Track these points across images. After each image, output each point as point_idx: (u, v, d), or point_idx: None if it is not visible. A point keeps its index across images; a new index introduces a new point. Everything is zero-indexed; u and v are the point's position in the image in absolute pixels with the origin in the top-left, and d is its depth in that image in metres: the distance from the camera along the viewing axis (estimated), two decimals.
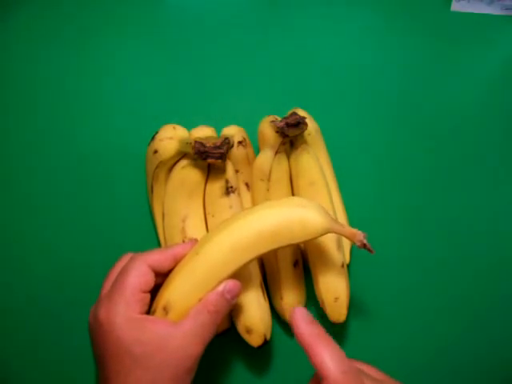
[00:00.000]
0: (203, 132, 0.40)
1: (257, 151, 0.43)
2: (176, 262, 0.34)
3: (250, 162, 0.41)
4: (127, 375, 0.31)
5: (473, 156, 0.46)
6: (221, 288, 0.33)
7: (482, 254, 0.44)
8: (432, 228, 0.45)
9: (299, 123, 0.38)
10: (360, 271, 0.43)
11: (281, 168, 0.40)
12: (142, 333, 0.31)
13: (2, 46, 0.48)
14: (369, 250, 0.34)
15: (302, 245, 0.41)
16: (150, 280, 0.33)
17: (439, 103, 0.48)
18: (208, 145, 0.37)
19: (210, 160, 0.37)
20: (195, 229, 0.39)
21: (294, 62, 0.48)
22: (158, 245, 0.43)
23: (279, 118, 0.40)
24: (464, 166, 0.46)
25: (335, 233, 0.34)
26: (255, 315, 0.37)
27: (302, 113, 0.41)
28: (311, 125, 0.41)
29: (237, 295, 0.34)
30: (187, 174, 0.39)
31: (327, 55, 0.48)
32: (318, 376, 0.30)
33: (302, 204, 0.34)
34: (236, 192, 0.39)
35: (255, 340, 0.38)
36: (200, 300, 0.33)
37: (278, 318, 0.42)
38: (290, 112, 0.39)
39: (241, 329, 0.38)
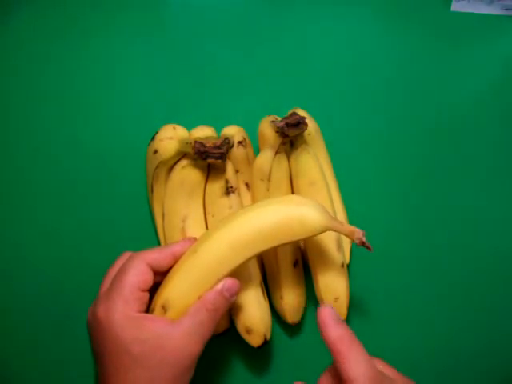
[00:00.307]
0: (203, 132, 0.40)
1: (257, 151, 0.43)
2: (175, 260, 0.34)
3: (250, 162, 0.41)
4: (126, 373, 0.31)
5: (473, 156, 0.46)
6: (219, 286, 0.33)
7: (483, 254, 0.44)
8: (432, 228, 0.45)
9: (299, 123, 0.38)
10: (360, 271, 0.43)
11: (281, 168, 0.40)
12: (140, 331, 0.31)
13: (4, 46, 0.48)
14: (367, 247, 0.34)
15: (302, 245, 0.41)
16: (149, 278, 0.33)
17: (439, 103, 0.48)
18: (208, 145, 0.37)
19: (210, 160, 0.37)
20: (195, 229, 0.39)
21: (294, 62, 0.48)
22: (158, 245, 0.43)
23: (279, 118, 0.40)
24: (464, 165, 0.46)
25: (334, 230, 0.34)
26: (255, 315, 0.37)
27: (301, 113, 0.41)
28: (311, 125, 0.41)
29: (235, 293, 0.34)
30: (187, 174, 0.39)
31: (327, 55, 0.48)
32: (332, 372, 0.30)
33: (300, 202, 0.34)
34: (236, 192, 0.39)
35: (255, 340, 0.38)
36: (199, 298, 0.33)
37: (278, 318, 0.42)
38: (290, 112, 0.39)
39: (241, 329, 0.38)
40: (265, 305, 0.38)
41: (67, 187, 0.45)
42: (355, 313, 0.43)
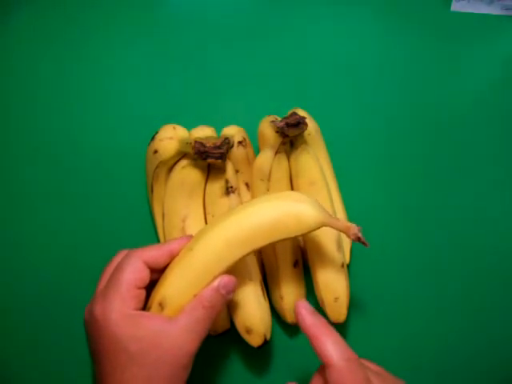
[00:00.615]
0: (203, 132, 0.40)
1: (257, 151, 0.43)
2: (171, 257, 0.35)
3: (250, 162, 0.41)
4: (123, 372, 0.31)
5: (473, 155, 0.46)
6: (216, 283, 0.33)
7: (483, 254, 0.44)
8: (432, 228, 0.45)
9: (299, 123, 0.38)
10: (360, 271, 0.43)
11: (281, 168, 0.40)
12: (137, 329, 0.31)
13: (3, 46, 0.48)
14: (363, 243, 0.34)
15: (302, 244, 0.41)
16: (146, 276, 0.33)
17: (439, 103, 0.48)
18: (208, 145, 0.37)
19: (210, 160, 0.37)
20: (195, 229, 0.39)
21: (294, 61, 0.48)
22: None
23: (279, 118, 0.40)
24: (464, 165, 0.46)
25: (330, 226, 0.34)
26: (255, 315, 0.37)
27: (301, 113, 0.41)
28: (311, 125, 0.41)
29: (232, 290, 0.34)
30: (187, 174, 0.39)
31: (327, 55, 0.48)
32: (323, 367, 0.31)
33: (296, 198, 0.34)
34: (236, 192, 0.39)
35: (255, 340, 0.38)
36: (195, 296, 0.33)
37: (278, 318, 0.42)
38: (290, 112, 0.39)
39: (241, 329, 0.38)
40: (265, 305, 0.38)
41: (67, 187, 0.45)
42: (355, 313, 0.43)
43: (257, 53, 0.48)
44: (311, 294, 0.41)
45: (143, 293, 0.33)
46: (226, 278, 0.33)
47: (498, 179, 0.46)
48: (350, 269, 0.43)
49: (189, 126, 0.41)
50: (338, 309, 0.39)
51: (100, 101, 0.47)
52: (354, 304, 0.42)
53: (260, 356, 0.42)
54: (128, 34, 0.48)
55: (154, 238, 0.43)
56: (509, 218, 0.45)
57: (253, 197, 0.41)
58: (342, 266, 0.39)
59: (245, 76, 0.48)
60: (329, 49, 0.49)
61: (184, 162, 0.39)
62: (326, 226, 0.34)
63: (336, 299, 0.38)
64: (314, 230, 0.34)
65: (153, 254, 0.34)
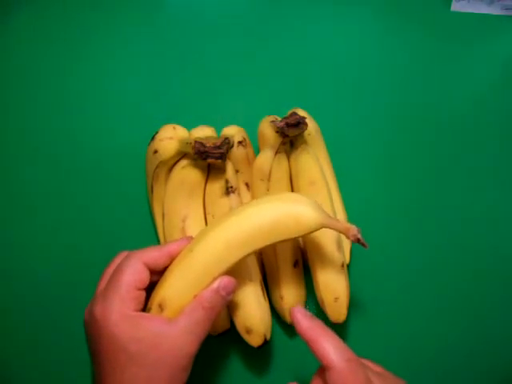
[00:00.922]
0: (203, 132, 0.40)
1: (257, 151, 0.43)
2: (171, 259, 0.35)
3: (250, 162, 0.41)
4: (122, 372, 0.31)
5: (473, 155, 0.47)
6: (215, 285, 0.33)
7: (483, 254, 0.44)
8: (432, 228, 0.45)
9: (299, 123, 0.38)
10: (360, 271, 0.43)
11: (281, 168, 0.40)
12: (136, 330, 0.31)
13: (3, 46, 0.48)
14: (362, 244, 0.34)
15: (302, 244, 0.41)
16: (145, 277, 0.33)
17: (439, 103, 0.48)
18: (208, 145, 0.37)
19: (210, 160, 0.37)
20: (195, 229, 0.39)
21: (294, 61, 0.48)
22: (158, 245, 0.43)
23: (279, 118, 0.40)
24: (464, 165, 0.46)
25: (329, 228, 0.34)
26: (255, 315, 0.37)
27: (301, 113, 0.41)
28: (311, 125, 0.41)
29: (232, 292, 0.34)
30: (187, 174, 0.39)
31: (327, 55, 0.48)
32: (323, 369, 0.31)
33: (296, 199, 0.34)
34: (236, 192, 0.39)
35: (255, 340, 0.38)
36: (195, 297, 0.33)
37: (278, 318, 0.42)
38: (289, 112, 0.39)
39: (241, 329, 0.38)
40: (265, 305, 0.38)
41: (67, 187, 0.45)
42: (355, 313, 0.43)
43: (257, 53, 0.48)
44: (311, 294, 0.41)
45: (143, 294, 0.33)
46: (225, 280, 0.33)
47: (499, 179, 0.46)
48: (349, 269, 0.43)
49: (189, 126, 0.41)
50: (338, 309, 0.39)
51: (100, 101, 0.47)
52: (354, 304, 0.42)
53: (260, 356, 0.42)
54: (128, 34, 0.49)
55: (154, 238, 0.43)
56: (509, 219, 0.45)
57: (253, 197, 0.41)
58: (342, 266, 0.39)
59: (245, 76, 0.48)
60: (329, 49, 0.49)
61: (184, 162, 0.39)
62: (325, 227, 0.34)
63: (336, 299, 0.38)
64: (314, 231, 0.34)
65: (153, 255, 0.34)
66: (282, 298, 0.40)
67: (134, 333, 0.31)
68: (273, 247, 0.40)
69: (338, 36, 0.49)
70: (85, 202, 0.45)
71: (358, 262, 0.43)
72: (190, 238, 0.35)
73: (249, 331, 0.37)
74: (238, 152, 0.41)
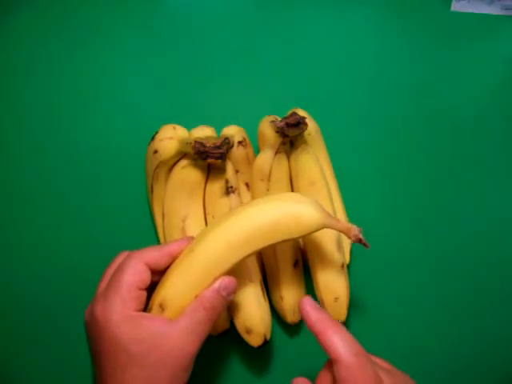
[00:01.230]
0: (203, 132, 0.40)
1: (257, 151, 0.43)
2: (172, 259, 0.34)
3: (250, 162, 0.41)
4: (123, 373, 0.31)
5: (473, 156, 0.46)
6: (216, 285, 0.33)
7: (483, 254, 0.44)
8: (432, 228, 0.45)
9: (299, 123, 0.38)
10: (360, 271, 0.43)
11: (281, 168, 0.40)
12: (137, 330, 0.31)
13: (3, 46, 0.48)
14: (364, 244, 0.34)
15: (302, 245, 0.41)
16: (146, 277, 0.33)
17: (439, 103, 0.48)
18: (208, 145, 0.37)
19: (210, 160, 0.37)
20: (195, 229, 0.39)
21: (294, 61, 0.48)
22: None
23: (279, 118, 0.40)
24: (464, 165, 0.46)
25: (330, 228, 0.34)
26: (255, 315, 0.37)
27: (301, 113, 0.41)
28: (311, 125, 0.41)
29: (233, 292, 0.34)
30: (187, 174, 0.39)
31: (327, 55, 0.48)
32: (330, 362, 0.31)
33: (296, 199, 0.34)
34: (236, 192, 0.39)
35: (255, 340, 0.38)
36: (196, 297, 0.33)
37: (278, 318, 0.42)
38: (289, 112, 0.39)
39: (241, 329, 0.38)
40: (265, 305, 0.38)
41: (67, 187, 0.45)
42: (355, 313, 0.43)
43: (257, 53, 0.48)
44: (311, 294, 0.41)
45: (144, 294, 0.33)
46: (226, 280, 0.33)
47: (499, 179, 0.46)
48: (350, 269, 0.43)
49: (189, 126, 0.41)
50: (338, 309, 0.39)
51: (100, 101, 0.47)
52: (354, 304, 0.42)
53: (260, 356, 0.42)
54: (128, 34, 0.48)
55: (154, 238, 0.43)
56: (509, 219, 0.45)
57: (253, 197, 0.41)
58: (342, 266, 0.39)
59: (245, 76, 0.48)
60: (329, 49, 0.49)
61: (184, 162, 0.39)
62: (326, 227, 0.34)
63: (336, 299, 0.38)
64: (315, 231, 0.34)
65: (154, 255, 0.34)
66: (282, 298, 0.40)
67: (134, 333, 0.31)
68: (273, 247, 0.40)
69: (338, 36, 0.49)
70: (85, 202, 0.45)
71: (358, 262, 0.43)
72: (191, 238, 0.35)
73: (249, 331, 0.37)
74: (237, 152, 0.41)
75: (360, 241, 0.34)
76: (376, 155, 0.46)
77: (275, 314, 0.42)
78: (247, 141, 0.41)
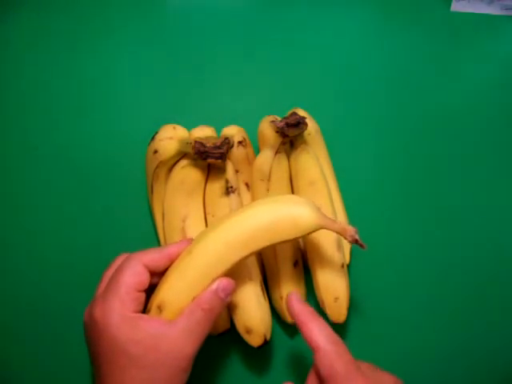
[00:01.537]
0: (203, 132, 0.40)
1: (257, 151, 0.43)
2: (171, 261, 0.35)
3: (250, 162, 0.41)
4: (122, 374, 0.31)
5: (473, 156, 0.46)
6: (214, 286, 0.33)
7: (483, 254, 0.44)
8: (432, 228, 0.45)
9: (299, 123, 0.38)
10: (360, 271, 0.43)
11: (281, 168, 0.40)
12: (136, 331, 0.31)
13: (3, 46, 0.48)
14: (360, 245, 0.34)
15: (302, 245, 0.41)
16: (145, 279, 0.33)
17: (439, 103, 0.48)
18: (208, 145, 0.37)
19: (210, 160, 0.37)
20: (195, 229, 0.39)
21: (294, 61, 0.48)
22: (158, 245, 0.43)
23: (279, 118, 0.40)
24: (464, 165, 0.46)
25: (327, 229, 0.34)
26: (255, 315, 0.37)
27: (301, 113, 0.41)
28: (311, 125, 0.41)
29: (230, 293, 0.34)
30: (187, 174, 0.39)
31: (327, 55, 0.48)
32: (316, 365, 0.32)
33: (294, 201, 0.34)
34: (236, 192, 0.39)
35: (255, 340, 0.38)
36: (194, 298, 0.33)
37: (278, 318, 0.42)
38: (289, 112, 0.39)
39: (241, 329, 0.38)
40: (265, 305, 0.38)
41: (67, 188, 0.45)
42: (355, 313, 0.43)
43: (257, 53, 0.48)
44: (311, 294, 0.41)
45: (143, 296, 0.33)
46: (224, 281, 0.33)
47: (499, 179, 0.46)
48: (349, 269, 0.43)
49: (189, 126, 0.41)
50: (338, 309, 0.39)
51: (100, 101, 0.47)
52: (354, 304, 0.42)
53: (260, 356, 0.42)
54: (128, 34, 0.48)
55: (154, 238, 0.43)
56: (509, 218, 0.45)
57: (253, 197, 0.41)
58: (342, 266, 0.39)
59: (245, 76, 0.48)
60: (329, 49, 0.49)
61: (184, 162, 0.39)
62: (323, 228, 0.34)
63: (336, 299, 0.38)
64: (312, 232, 0.34)
65: (153, 257, 0.34)
66: (282, 298, 0.40)
67: (133, 334, 0.31)
68: (273, 247, 0.40)
69: (338, 36, 0.49)
70: (85, 202, 0.45)
71: (358, 262, 0.43)
72: (190, 240, 0.35)
73: (249, 331, 0.37)
74: (237, 152, 0.41)
75: (356, 241, 0.34)
76: (376, 155, 0.46)
77: (275, 313, 0.42)
78: (247, 141, 0.41)
